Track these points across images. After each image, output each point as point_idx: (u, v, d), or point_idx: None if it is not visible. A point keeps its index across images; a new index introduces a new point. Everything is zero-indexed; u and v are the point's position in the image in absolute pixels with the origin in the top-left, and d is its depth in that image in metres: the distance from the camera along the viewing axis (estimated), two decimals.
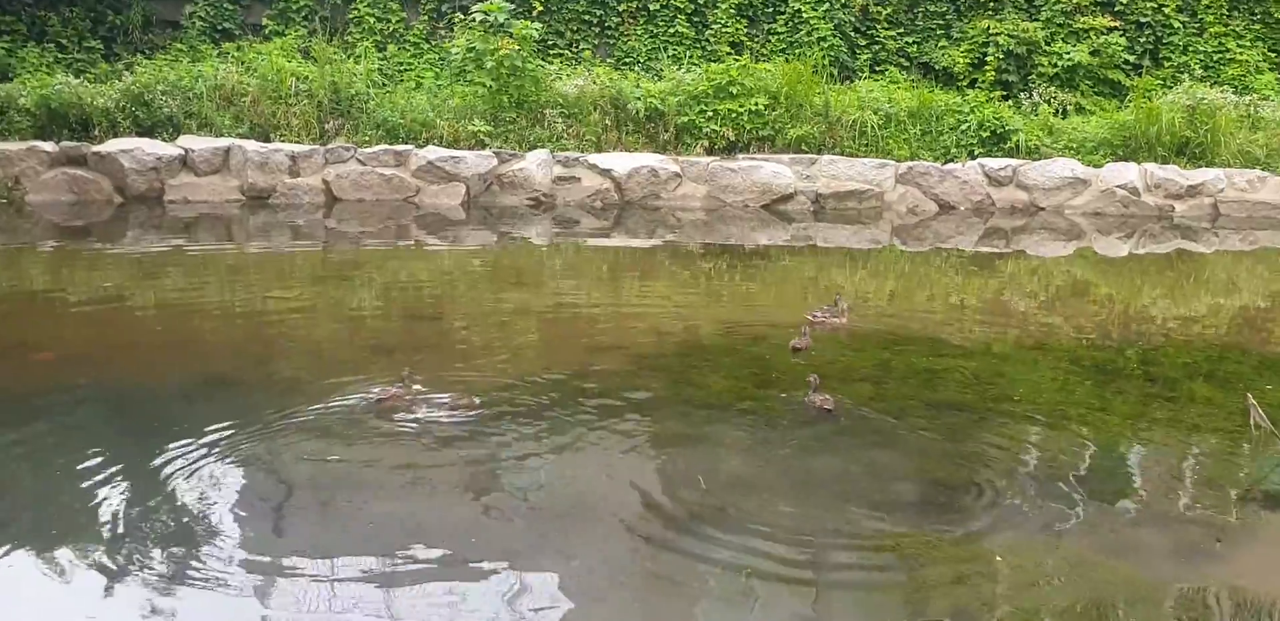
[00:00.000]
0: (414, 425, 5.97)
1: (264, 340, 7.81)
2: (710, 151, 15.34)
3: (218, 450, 5.52)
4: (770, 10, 17.90)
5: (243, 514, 4.87)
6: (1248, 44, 17.95)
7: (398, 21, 17.33)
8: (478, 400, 6.26)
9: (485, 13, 15.30)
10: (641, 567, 4.53)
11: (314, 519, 4.90)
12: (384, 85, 15.82)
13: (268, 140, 14.47)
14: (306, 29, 16.84)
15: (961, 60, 17.51)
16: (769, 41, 17.83)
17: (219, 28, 16.87)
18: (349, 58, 15.96)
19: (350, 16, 17.26)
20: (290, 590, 4.25)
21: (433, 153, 14.08)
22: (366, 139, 14.64)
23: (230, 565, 4.40)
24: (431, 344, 7.75)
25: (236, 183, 13.89)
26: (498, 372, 6.92)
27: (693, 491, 5.27)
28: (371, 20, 17.20)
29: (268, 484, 5.21)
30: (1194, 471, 5.77)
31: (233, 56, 15.61)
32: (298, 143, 14.40)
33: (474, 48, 15.17)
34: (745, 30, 17.88)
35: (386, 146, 14.24)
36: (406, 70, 16.81)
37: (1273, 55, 18.04)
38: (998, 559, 4.61)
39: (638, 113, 15.21)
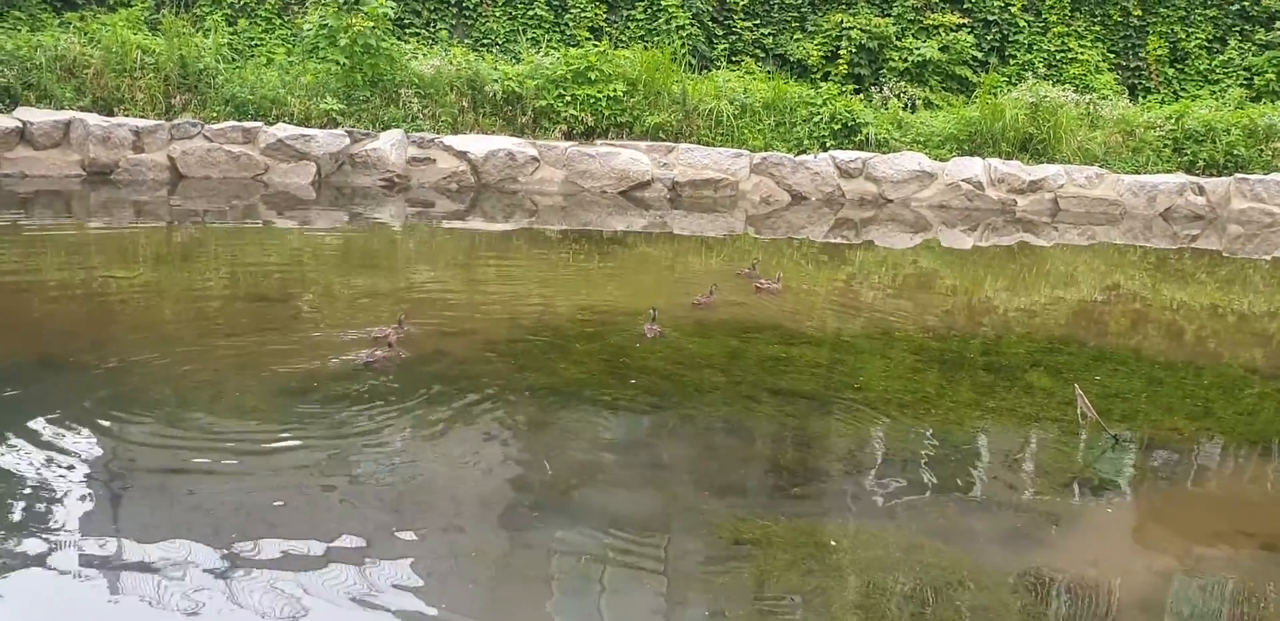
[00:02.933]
0: (255, 409, 5.82)
1: (101, 321, 7.52)
2: (568, 136, 15.29)
3: (50, 433, 5.30)
4: None
5: (75, 500, 4.68)
6: (1089, 44, 18.64)
7: None
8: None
9: None
10: (488, 553, 4.51)
11: (151, 504, 4.74)
12: (234, 60, 15.33)
13: (111, 114, 13.91)
14: (154, 0, 16.21)
15: (815, 53, 17.78)
16: (628, 28, 17.83)
17: None
18: (198, 31, 15.41)
19: None
20: (128, 579, 4.11)
21: (283, 130, 13.72)
22: (214, 115, 14.18)
23: (64, 554, 4.24)
24: (276, 326, 7.55)
25: (77, 157, 13.32)
26: (343, 355, 6.78)
27: (539, 477, 5.26)
28: None
29: (102, 468, 5.02)
30: (1026, 459, 5.99)
31: (75, 27, 14.91)
32: (143, 117, 13.87)
33: (327, 24, 14.80)
34: (604, 16, 17.85)
35: (235, 123, 13.82)
36: (257, 46, 16.31)
37: (1112, 56, 18.77)
38: (833, 543, 4.71)
39: (495, 95, 15.07)
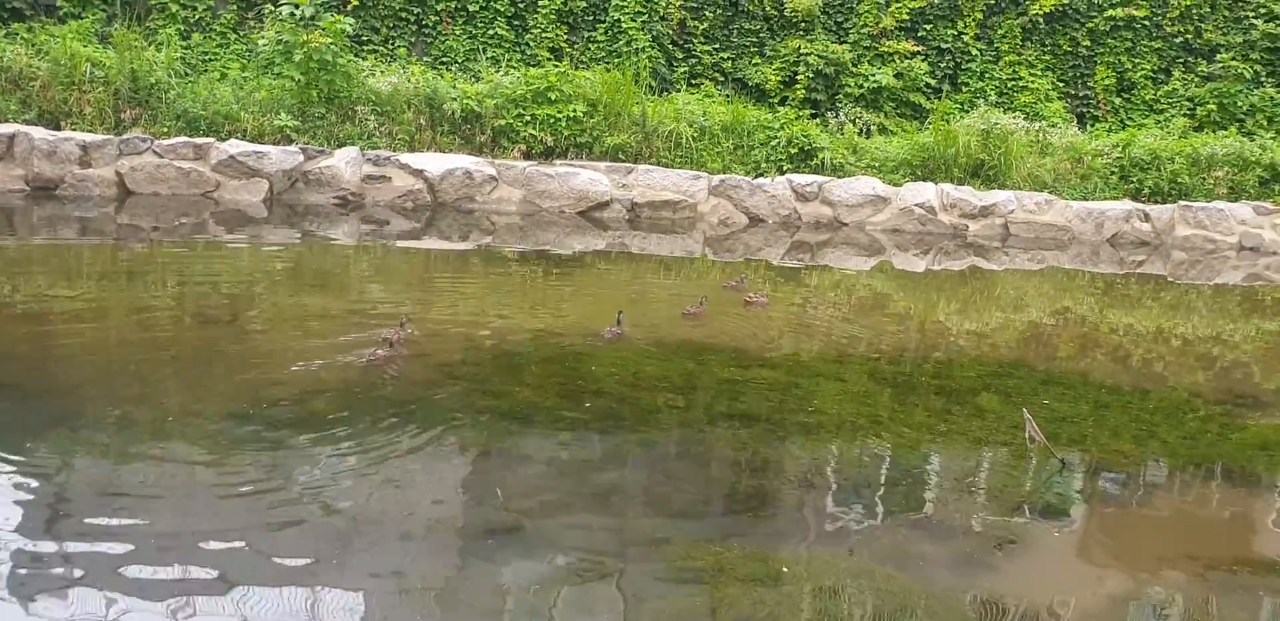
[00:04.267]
0: (199, 435, 5.73)
1: (41, 342, 7.38)
2: (528, 156, 15.29)
3: None
4: (590, 18, 17.97)
5: (13, 527, 4.58)
6: (1039, 73, 18.94)
7: (204, 10, 16.69)
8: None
9: (295, 5, 14.85)
10: (436, 582, 4.45)
11: (96, 531, 4.64)
12: (187, 75, 15.22)
13: (58, 128, 13.76)
14: (105, 13, 16.07)
15: (773, 78, 17.94)
16: (589, 49, 17.89)
17: (8, 6, 15.90)
18: (150, 45, 15.28)
19: (153, 2, 16.53)
20: (72, 608, 4.02)
21: (235, 146, 13.61)
22: (165, 130, 14.06)
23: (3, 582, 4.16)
24: (223, 348, 7.45)
25: (21, 172, 13.14)
26: (291, 379, 6.71)
27: (490, 503, 5.21)
28: (176, 7, 16.52)
29: (42, 495, 4.92)
30: (976, 483, 6.02)
31: (22, 38, 14.75)
32: (90, 132, 13.73)
33: (283, 40, 14.74)
34: (565, 37, 17.90)
35: (186, 138, 13.69)
36: (211, 61, 16.22)
37: (1061, 84, 19.08)
38: (785, 570, 4.71)
39: (454, 113, 15.05)
